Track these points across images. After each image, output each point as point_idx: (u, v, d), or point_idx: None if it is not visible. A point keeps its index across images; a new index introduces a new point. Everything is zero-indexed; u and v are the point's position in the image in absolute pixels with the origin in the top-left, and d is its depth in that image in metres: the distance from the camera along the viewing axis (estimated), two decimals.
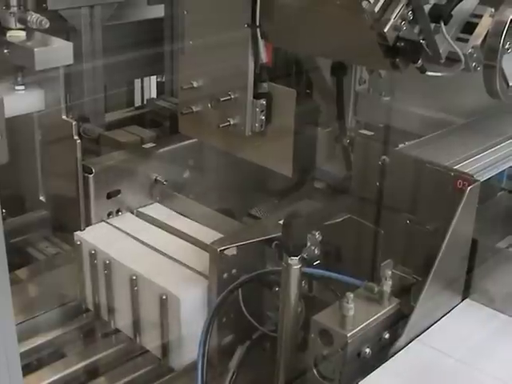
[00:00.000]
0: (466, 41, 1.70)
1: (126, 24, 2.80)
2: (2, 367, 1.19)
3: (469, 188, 1.64)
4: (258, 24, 1.98)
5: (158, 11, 2.86)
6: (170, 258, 2.08)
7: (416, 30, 1.66)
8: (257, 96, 2.08)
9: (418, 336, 1.63)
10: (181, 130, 2.38)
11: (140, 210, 2.34)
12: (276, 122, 2.11)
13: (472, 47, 1.69)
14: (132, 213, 2.33)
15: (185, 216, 2.31)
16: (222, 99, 2.10)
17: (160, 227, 2.26)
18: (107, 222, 2.25)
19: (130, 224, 2.25)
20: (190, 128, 2.33)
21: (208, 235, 2.11)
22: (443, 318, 1.71)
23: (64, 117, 2.14)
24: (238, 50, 2.04)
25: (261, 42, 2.00)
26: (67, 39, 2.33)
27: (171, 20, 2.83)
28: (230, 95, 2.10)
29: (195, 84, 2.18)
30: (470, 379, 1.55)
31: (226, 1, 2.07)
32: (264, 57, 2.01)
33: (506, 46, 1.71)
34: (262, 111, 2.08)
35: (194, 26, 2.19)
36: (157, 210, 2.35)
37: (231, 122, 2.12)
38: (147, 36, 2.83)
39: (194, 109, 2.20)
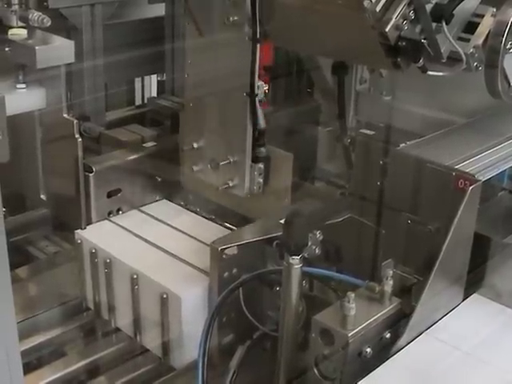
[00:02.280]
0: (468, 40, 1.70)
1: (126, 23, 2.80)
2: (3, 365, 1.19)
3: (470, 188, 1.64)
4: (257, 23, 1.99)
5: (159, 10, 2.85)
6: (173, 255, 2.08)
7: (417, 29, 1.66)
8: (255, 160, 2.11)
9: (418, 336, 1.64)
10: (185, 187, 2.41)
11: (148, 206, 2.35)
12: (274, 183, 2.17)
13: (473, 47, 1.69)
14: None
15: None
16: (221, 163, 2.15)
17: (165, 224, 2.26)
18: (110, 220, 2.25)
19: (133, 221, 2.25)
20: (194, 185, 2.36)
21: (215, 231, 2.12)
22: (451, 312, 1.72)
23: (65, 115, 2.14)
24: (237, 116, 2.08)
25: (259, 110, 2.04)
26: (68, 38, 2.32)
27: (172, 19, 2.82)
28: (229, 159, 2.14)
29: (195, 145, 2.21)
30: (478, 371, 1.56)
31: (226, 70, 2.08)
32: (262, 123, 2.05)
33: (508, 46, 1.71)
34: (260, 174, 2.13)
35: (195, 89, 2.22)
36: (165, 206, 2.36)
37: (230, 184, 2.15)
38: (148, 35, 2.82)
39: (195, 168, 2.23)
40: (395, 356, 1.57)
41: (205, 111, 2.19)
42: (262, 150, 2.10)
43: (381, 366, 1.54)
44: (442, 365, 1.57)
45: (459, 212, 1.61)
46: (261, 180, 2.14)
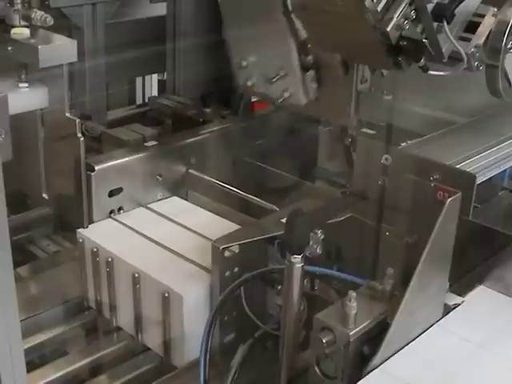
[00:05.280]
0: (469, 40, 1.70)
1: (128, 22, 2.81)
2: (6, 363, 1.20)
3: (449, 200, 1.60)
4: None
5: (160, 9, 2.86)
6: (175, 253, 2.08)
7: (419, 29, 1.67)
8: (305, 68, 2.06)
9: (395, 353, 1.60)
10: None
11: (155, 203, 2.35)
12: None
13: (475, 46, 1.70)
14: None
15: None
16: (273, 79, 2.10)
17: (171, 221, 2.26)
18: (113, 219, 2.25)
19: (137, 219, 2.25)
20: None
21: (223, 227, 2.11)
22: (461, 305, 1.75)
23: (68, 114, 2.15)
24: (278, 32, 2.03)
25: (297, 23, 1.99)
26: (69, 37, 2.33)
27: (173, 18, 2.83)
28: (279, 73, 2.08)
29: (244, 63, 2.15)
30: (488, 362, 1.59)
31: None
32: (302, 34, 2.00)
33: (509, 46, 1.71)
34: (312, 80, 2.08)
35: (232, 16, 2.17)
36: (173, 203, 2.36)
37: (286, 96, 2.10)
38: (149, 34, 2.83)
39: (249, 83, 2.18)
40: (408, 346, 1.59)
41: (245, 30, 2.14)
42: (309, 58, 2.05)
43: (393, 357, 1.56)
44: (453, 355, 1.59)
45: (437, 225, 1.58)
46: (314, 86, 2.08)
